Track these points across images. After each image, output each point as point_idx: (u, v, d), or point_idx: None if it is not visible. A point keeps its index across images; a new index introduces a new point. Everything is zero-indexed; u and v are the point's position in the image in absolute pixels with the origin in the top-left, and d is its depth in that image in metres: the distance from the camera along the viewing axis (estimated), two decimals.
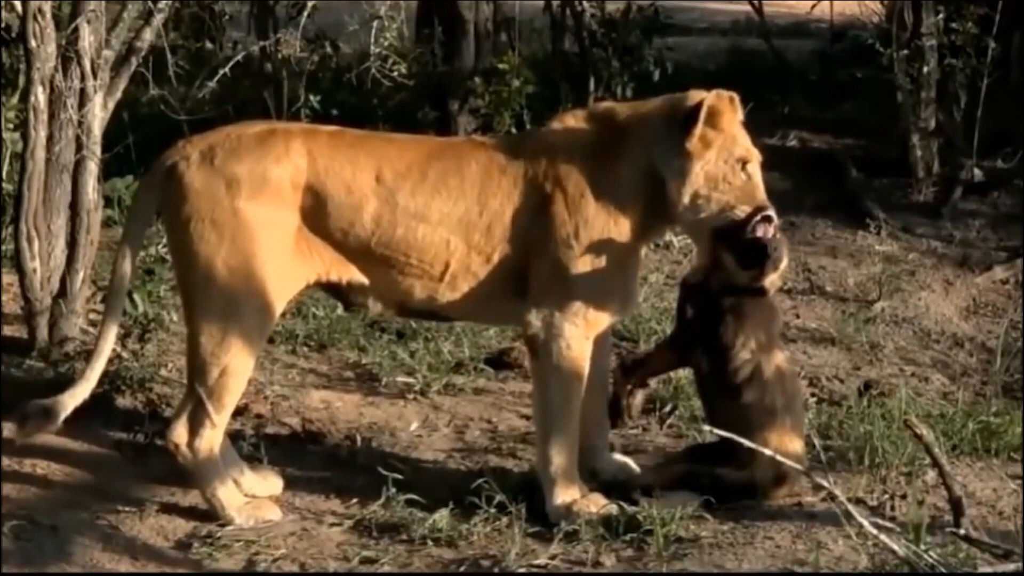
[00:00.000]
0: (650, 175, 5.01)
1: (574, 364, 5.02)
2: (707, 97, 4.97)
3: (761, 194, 5.00)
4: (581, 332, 5.02)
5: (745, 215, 4.91)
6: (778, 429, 4.99)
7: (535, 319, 5.04)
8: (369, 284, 5.08)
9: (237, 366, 4.97)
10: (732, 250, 4.95)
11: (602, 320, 5.10)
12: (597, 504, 4.99)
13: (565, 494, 5.02)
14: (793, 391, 5.18)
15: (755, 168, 5.02)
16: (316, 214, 5.00)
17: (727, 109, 5.01)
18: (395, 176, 5.02)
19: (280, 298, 5.04)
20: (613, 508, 4.96)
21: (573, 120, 5.17)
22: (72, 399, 5.02)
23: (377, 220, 5.00)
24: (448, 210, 5.02)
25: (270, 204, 4.95)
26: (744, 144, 5.02)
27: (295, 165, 4.99)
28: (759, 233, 4.89)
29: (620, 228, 5.01)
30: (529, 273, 5.04)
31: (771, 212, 4.92)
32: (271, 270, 4.95)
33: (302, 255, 5.01)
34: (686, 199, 4.97)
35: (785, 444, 4.93)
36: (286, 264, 4.99)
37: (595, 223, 4.99)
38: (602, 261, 4.99)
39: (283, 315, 6.49)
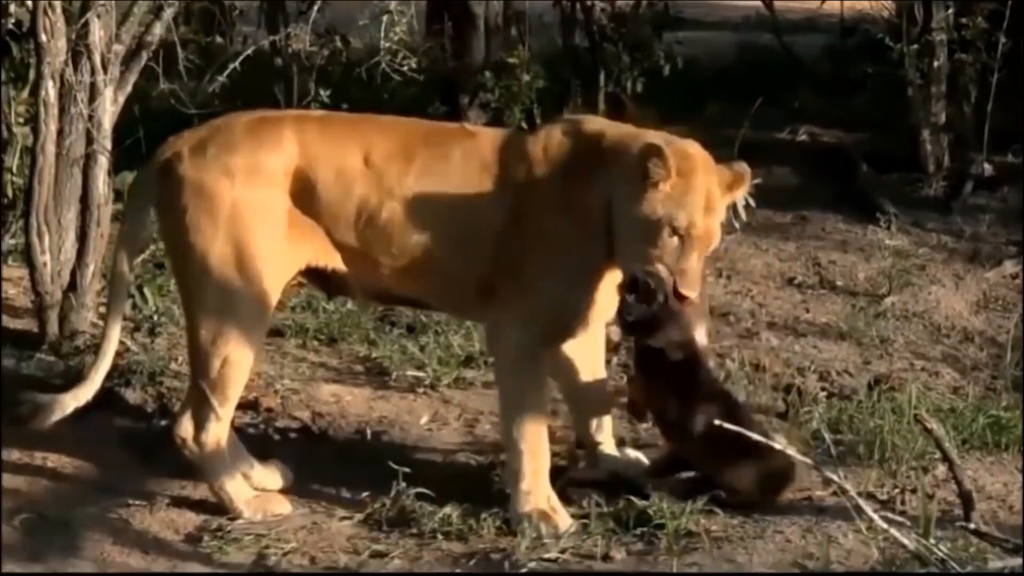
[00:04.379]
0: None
1: (524, 368, 4.95)
2: (642, 150, 4.78)
3: (685, 263, 4.74)
4: (535, 340, 4.94)
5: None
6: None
7: (492, 319, 5.04)
8: (353, 271, 5.04)
9: (238, 356, 4.97)
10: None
11: (560, 334, 5.04)
12: (564, 523, 4.89)
13: (527, 502, 4.93)
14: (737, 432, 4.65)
15: (694, 243, 4.75)
16: (307, 199, 4.99)
17: (669, 174, 4.73)
18: (383, 159, 5.00)
19: (276, 286, 5.03)
20: (572, 528, 4.87)
21: (560, 133, 5.03)
22: (74, 400, 5.04)
23: (364, 203, 4.97)
24: (430, 198, 4.97)
25: (263, 192, 4.96)
26: (689, 214, 4.74)
27: (286, 152, 4.99)
28: (627, 298, 4.79)
29: (588, 248, 4.91)
30: (495, 275, 4.99)
31: (652, 282, 4.69)
32: (266, 259, 4.96)
33: (294, 241, 5.00)
34: (617, 241, 4.88)
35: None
36: (280, 251, 4.99)
37: (562, 240, 4.90)
38: (566, 276, 4.91)
39: (293, 309, 6.53)
